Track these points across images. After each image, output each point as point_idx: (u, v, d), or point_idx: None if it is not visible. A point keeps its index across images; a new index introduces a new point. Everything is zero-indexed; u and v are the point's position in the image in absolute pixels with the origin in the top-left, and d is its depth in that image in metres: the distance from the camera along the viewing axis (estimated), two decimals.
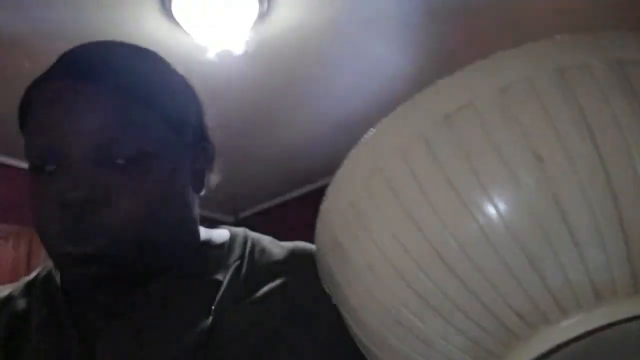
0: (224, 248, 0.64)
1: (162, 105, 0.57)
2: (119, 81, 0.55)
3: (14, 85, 3.19)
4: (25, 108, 0.58)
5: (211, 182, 0.68)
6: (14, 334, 0.56)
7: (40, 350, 0.54)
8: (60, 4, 2.27)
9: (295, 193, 4.25)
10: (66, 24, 2.37)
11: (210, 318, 0.55)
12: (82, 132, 0.53)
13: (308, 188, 4.21)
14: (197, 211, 0.64)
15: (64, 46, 2.51)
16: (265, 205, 4.29)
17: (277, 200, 4.30)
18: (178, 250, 0.60)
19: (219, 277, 0.60)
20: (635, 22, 2.68)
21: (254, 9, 2.33)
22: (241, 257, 0.62)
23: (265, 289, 0.59)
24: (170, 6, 2.29)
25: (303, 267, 0.61)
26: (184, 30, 2.38)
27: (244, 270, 0.61)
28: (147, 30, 2.39)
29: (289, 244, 0.66)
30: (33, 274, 0.63)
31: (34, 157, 0.55)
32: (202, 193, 0.65)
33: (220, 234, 0.68)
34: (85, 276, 0.53)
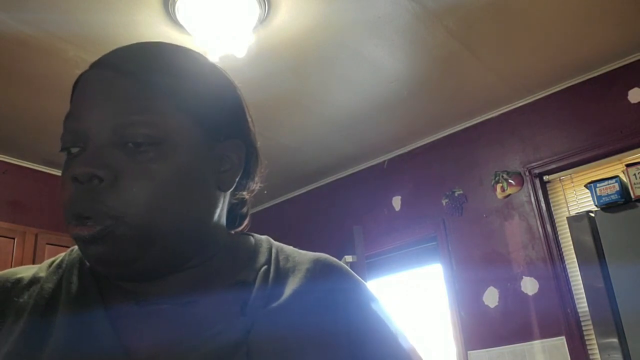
0: (250, 252, 0.67)
1: (185, 98, 0.58)
2: (139, 70, 0.57)
3: (21, 86, 3.25)
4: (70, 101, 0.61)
5: (251, 184, 0.68)
6: (43, 310, 0.56)
7: (67, 326, 0.55)
8: (66, 7, 2.30)
9: (295, 193, 4.29)
10: (71, 26, 2.41)
11: (246, 318, 0.57)
12: (100, 115, 0.55)
13: (308, 188, 4.25)
14: (223, 211, 0.64)
15: (70, 48, 2.58)
16: (266, 204, 4.32)
17: (277, 200, 4.34)
18: (193, 245, 0.59)
19: (247, 278, 0.62)
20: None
21: (255, 13, 2.37)
22: (268, 262, 0.65)
23: (291, 294, 0.61)
24: (174, 10, 2.33)
25: (326, 277, 0.65)
26: (187, 33, 2.41)
27: (271, 275, 0.63)
28: (151, 33, 2.42)
29: (311, 254, 0.69)
30: (60, 256, 0.64)
31: (64, 141, 0.57)
32: (229, 191, 0.64)
33: (246, 239, 0.70)
34: (91, 256, 0.54)
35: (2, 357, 0.53)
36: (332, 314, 0.62)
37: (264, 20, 2.43)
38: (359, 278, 0.70)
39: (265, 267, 0.64)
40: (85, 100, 0.57)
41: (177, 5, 2.30)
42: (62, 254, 0.65)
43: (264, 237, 0.71)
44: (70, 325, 0.55)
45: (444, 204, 3.48)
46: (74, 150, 0.57)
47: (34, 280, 0.60)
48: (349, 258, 3.16)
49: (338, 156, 3.84)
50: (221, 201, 0.63)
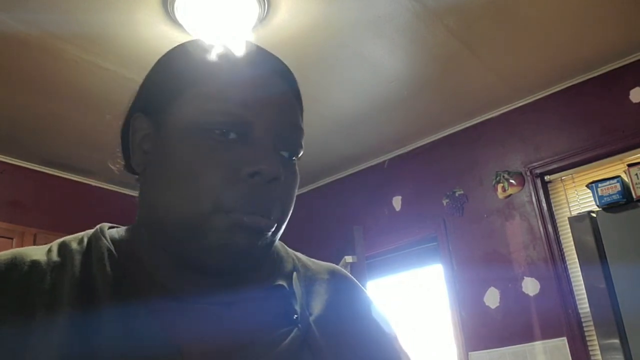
0: (274, 255, 0.67)
1: (302, 120, 0.65)
2: (298, 91, 0.65)
3: (20, 86, 3.24)
4: (199, 71, 0.59)
5: None
6: (81, 302, 0.53)
7: (115, 322, 0.52)
8: (66, 7, 2.29)
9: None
10: (71, 26, 2.40)
11: (299, 326, 0.59)
12: (275, 119, 0.58)
13: (307, 188, 4.25)
14: None
15: (70, 48, 2.56)
16: None
17: None
18: None
19: (282, 283, 0.63)
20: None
21: (254, 13, 2.36)
22: (295, 269, 0.67)
23: (325, 303, 0.64)
24: (173, 9, 2.32)
25: (342, 286, 0.69)
26: (186, 33, 2.41)
27: (301, 282, 0.65)
28: (150, 32, 2.41)
29: (323, 264, 0.71)
30: (74, 239, 0.61)
31: (221, 122, 0.55)
32: None
33: None
34: (239, 246, 0.54)
35: (55, 354, 0.49)
36: (353, 319, 0.66)
37: (263, 19, 2.43)
38: (360, 284, 0.74)
39: (295, 273, 0.66)
40: (257, 96, 0.58)
41: (176, 4, 2.30)
42: (77, 237, 0.61)
43: (278, 242, 0.71)
44: (118, 321, 0.52)
45: (445, 204, 3.47)
46: (232, 136, 0.55)
47: (53, 265, 0.56)
48: (349, 258, 3.15)
49: (338, 156, 3.83)
50: None
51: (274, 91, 0.59)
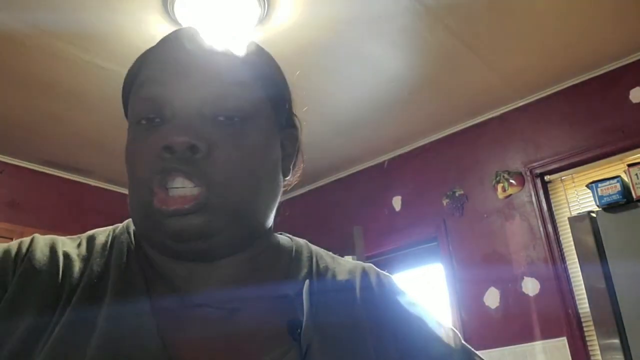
0: (292, 256, 0.65)
1: (264, 78, 0.61)
2: (227, 45, 0.60)
3: (19, 86, 3.23)
4: (136, 70, 0.60)
5: (291, 179, 0.69)
6: (89, 297, 0.54)
7: (113, 319, 0.53)
8: (66, 7, 2.29)
9: (295, 193, 4.28)
10: (70, 25, 2.39)
11: (301, 343, 0.55)
12: (190, 85, 0.55)
13: (308, 188, 4.24)
14: (279, 198, 0.64)
15: (69, 47, 2.56)
16: None
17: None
18: (258, 228, 0.59)
19: (291, 292, 0.60)
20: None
21: (255, 13, 2.36)
22: (310, 275, 0.63)
23: (336, 313, 0.60)
24: (172, 9, 2.32)
25: (366, 289, 0.64)
26: None
27: (315, 288, 0.62)
28: (150, 32, 2.41)
29: (347, 264, 0.68)
30: (102, 233, 0.62)
31: (143, 109, 0.56)
32: (287, 181, 0.67)
33: (286, 240, 0.68)
34: (175, 229, 0.52)
35: (50, 341, 0.50)
36: (376, 322, 0.61)
37: (263, 19, 2.42)
38: (391, 277, 0.69)
39: (308, 280, 0.62)
40: (172, 68, 0.56)
41: (177, 4, 2.29)
42: (105, 231, 0.62)
43: (302, 241, 0.69)
44: (116, 318, 0.53)
45: (445, 204, 3.47)
46: (155, 122, 0.55)
47: (82, 258, 0.58)
48: (348, 259, 3.14)
49: (338, 156, 3.83)
50: (282, 188, 0.64)
51: (193, 61, 0.57)
